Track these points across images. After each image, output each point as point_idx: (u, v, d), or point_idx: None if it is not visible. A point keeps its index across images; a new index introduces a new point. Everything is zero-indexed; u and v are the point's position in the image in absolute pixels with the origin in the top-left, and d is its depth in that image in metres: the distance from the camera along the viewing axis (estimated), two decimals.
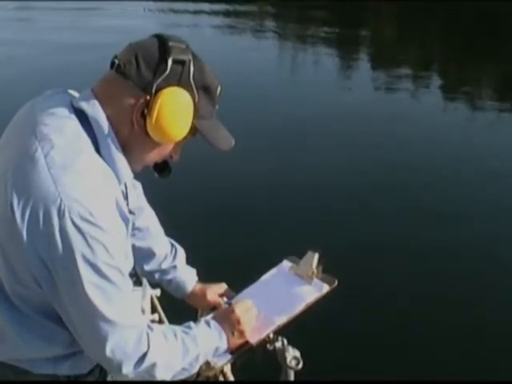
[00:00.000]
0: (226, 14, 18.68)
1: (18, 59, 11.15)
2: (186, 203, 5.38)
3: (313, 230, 4.95)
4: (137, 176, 1.48)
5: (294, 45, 14.74)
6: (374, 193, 5.83)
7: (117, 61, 1.21)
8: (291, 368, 1.57)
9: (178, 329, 1.39)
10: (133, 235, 1.62)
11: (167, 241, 1.73)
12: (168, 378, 1.36)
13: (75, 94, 1.31)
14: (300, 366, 1.56)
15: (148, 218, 1.69)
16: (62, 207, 1.11)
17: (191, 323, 1.44)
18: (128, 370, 1.27)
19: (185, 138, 1.29)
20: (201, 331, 1.42)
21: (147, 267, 1.70)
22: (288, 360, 1.57)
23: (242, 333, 1.50)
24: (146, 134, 1.23)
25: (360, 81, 11.02)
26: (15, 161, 1.19)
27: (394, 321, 3.98)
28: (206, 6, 19.24)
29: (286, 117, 7.99)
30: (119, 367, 1.26)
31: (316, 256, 1.69)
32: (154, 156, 1.31)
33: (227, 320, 1.50)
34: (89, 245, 1.12)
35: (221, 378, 1.57)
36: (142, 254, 1.66)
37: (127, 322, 1.23)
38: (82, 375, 1.39)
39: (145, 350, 1.27)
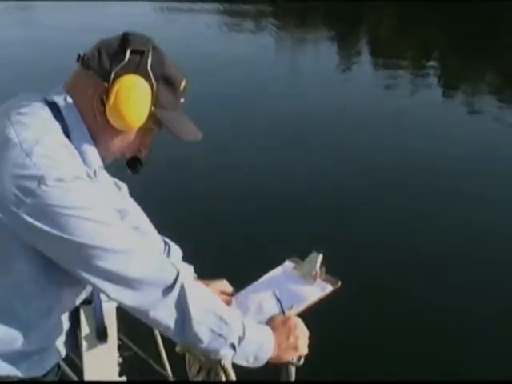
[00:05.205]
0: (225, 12, 18.76)
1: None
2: (186, 201, 5.45)
3: (314, 229, 4.96)
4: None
5: (293, 41, 14.72)
6: (375, 192, 5.81)
7: (82, 54, 1.29)
8: (292, 364, 1.55)
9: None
10: None
11: (160, 239, 1.73)
12: (203, 322, 1.31)
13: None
14: (301, 361, 1.53)
15: (136, 219, 1.68)
16: (39, 174, 1.15)
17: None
18: (158, 296, 1.26)
19: (147, 128, 1.33)
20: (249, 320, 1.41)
21: None
22: None
23: (295, 343, 1.44)
24: (108, 121, 1.28)
25: (360, 76, 10.99)
26: None
27: (396, 320, 3.98)
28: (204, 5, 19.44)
29: (286, 114, 8.02)
30: (150, 295, 1.25)
31: (320, 257, 1.68)
32: (118, 144, 1.35)
33: (283, 325, 1.45)
34: (70, 198, 1.17)
35: (222, 374, 1.55)
36: None
37: (138, 246, 1.25)
38: (37, 377, 1.39)
39: (174, 273, 1.27)
